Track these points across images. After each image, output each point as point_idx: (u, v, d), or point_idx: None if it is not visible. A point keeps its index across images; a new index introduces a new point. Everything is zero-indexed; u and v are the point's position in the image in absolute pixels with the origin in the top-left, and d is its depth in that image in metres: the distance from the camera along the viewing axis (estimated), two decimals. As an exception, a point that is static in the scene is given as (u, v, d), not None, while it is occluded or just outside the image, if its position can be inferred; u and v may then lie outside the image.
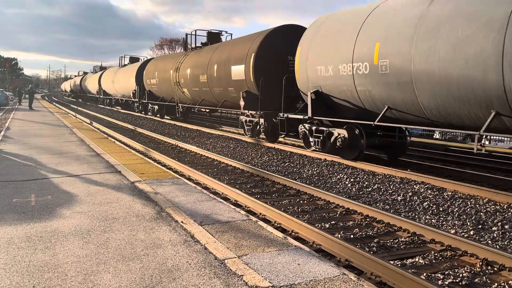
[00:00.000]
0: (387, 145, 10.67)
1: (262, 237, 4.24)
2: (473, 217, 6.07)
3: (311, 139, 11.50)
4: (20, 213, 4.87)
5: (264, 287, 3.14)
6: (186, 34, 21.66)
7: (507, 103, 6.66)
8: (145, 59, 40.01)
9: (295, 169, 9.62)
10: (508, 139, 13.64)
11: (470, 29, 6.98)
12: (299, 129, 12.06)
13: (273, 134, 13.98)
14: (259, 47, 13.85)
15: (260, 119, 14.08)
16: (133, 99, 29.84)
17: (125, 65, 36.51)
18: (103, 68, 51.61)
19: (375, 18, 9.25)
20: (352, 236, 5.21)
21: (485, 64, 6.76)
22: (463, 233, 5.40)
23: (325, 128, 11.05)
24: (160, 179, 6.96)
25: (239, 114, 17.28)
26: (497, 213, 6.21)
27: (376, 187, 7.89)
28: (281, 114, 12.78)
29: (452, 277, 4.06)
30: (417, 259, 4.50)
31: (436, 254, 4.64)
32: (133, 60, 36.41)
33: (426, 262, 4.45)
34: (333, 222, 5.73)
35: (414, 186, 7.86)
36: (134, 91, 28.94)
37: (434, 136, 16.94)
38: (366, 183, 8.21)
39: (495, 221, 5.85)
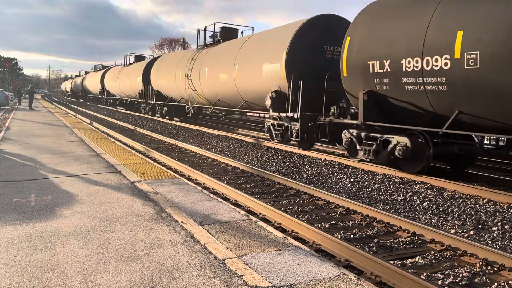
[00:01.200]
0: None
1: (262, 237, 4.24)
2: (473, 217, 6.07)
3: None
4: (20, 213, 4.87)
5: (264, 287, 3.14)
6: None
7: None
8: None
9: (295, 169, 9.62)
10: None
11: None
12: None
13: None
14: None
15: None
16: (272, 113, 13.22)
17: (213, 43, 18.86)
18: (140, 59, 33.76)
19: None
20: (352, 236, 5.21)
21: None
22: (463, 233, 5.40)
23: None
24: (160, 179, 6.96)
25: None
26: (497, 213, 6.21)
27: (376, 187, 7.88)
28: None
29: (452, 277, 4.06)
30: (417, 259, 4.50)
31: (436, 254, 4.64)
32: (229, 33, 18.61)
33: (426, 262, 4.45)
34: (333, 222, 5.73)
35: (414, 186, 7.86)
36: (272, 96, 12.84)
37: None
38: (366, 183, 8.20)
39: (495, 221, 5.85)
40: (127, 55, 35.70)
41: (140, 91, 27.00)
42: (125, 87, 31.58)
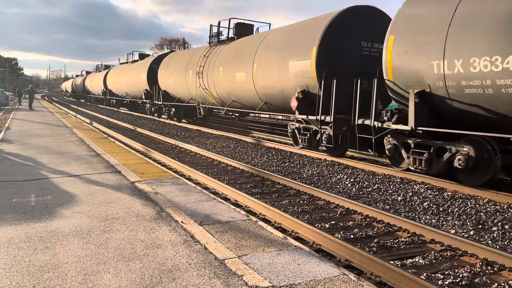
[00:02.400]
0: None
1: (262, 237, 4.24)
2: (473, 217, 6.07)
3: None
4: (20, 213, 4.87)
5: (264, 287, 3.14)
6: None
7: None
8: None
9: (295, 169, 9.62)
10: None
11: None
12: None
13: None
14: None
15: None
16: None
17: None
18: (247, 29, 17.37)
19: None
20: (352, 236, 5.20)
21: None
22: (463, 233, 5.40)
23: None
24: (160, 179, 6.95)
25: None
26: (497, 213, 6.20)
27: (376, 187, 7.88)
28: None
29: (452, 277, 4.06)
30: (417, 259, 4.50)
31: (436, 254, 4.64)
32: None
33: (426, 262, 4.45)
34: (333, 222, 5.73)
35: (414, 186, 7.86)
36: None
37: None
38: (366, 183, 8.20)
39: (495, 221, 5.85)
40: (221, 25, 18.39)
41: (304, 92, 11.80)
42: (225, 84, 16.33)
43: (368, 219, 5.85)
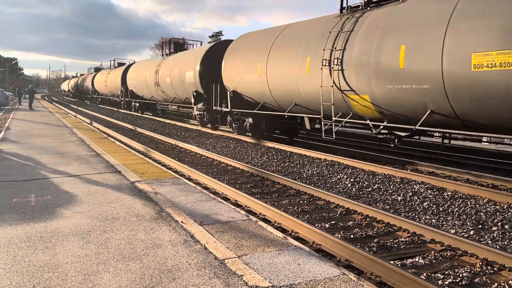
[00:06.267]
0: None
1: (262, 237, 4.24)
2: (473, 217, 6.07)
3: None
4: (20, 213, 4.87)
5: (264, 287, 3.14)
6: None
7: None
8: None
9: (295, 169, 9.62)
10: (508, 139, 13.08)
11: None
12: None
13: None
14: None
15: None
16: None
17: None
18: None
19: None
20: (352, 236, 5.21)
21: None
22: (463, 233, 5.40)
23: None
24: (160, 179, 6.95)
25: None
26: (497, 213, 6.20)
27: (376, 187, 7.88)
28: None
29: (452, 277, 4.06)
30: (417, 259, 4.50)
31: (436, 254, 4.64)
32: None
33: (426, 262, 4.45)
34: (333, 222, 5.73)
35: (414, 186, 7.86)
36: None
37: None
38: (366, 183, 8.20)
39: (495, 221, 5.85)
40: None
41: None
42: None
43: (368, 219, 5.85)
